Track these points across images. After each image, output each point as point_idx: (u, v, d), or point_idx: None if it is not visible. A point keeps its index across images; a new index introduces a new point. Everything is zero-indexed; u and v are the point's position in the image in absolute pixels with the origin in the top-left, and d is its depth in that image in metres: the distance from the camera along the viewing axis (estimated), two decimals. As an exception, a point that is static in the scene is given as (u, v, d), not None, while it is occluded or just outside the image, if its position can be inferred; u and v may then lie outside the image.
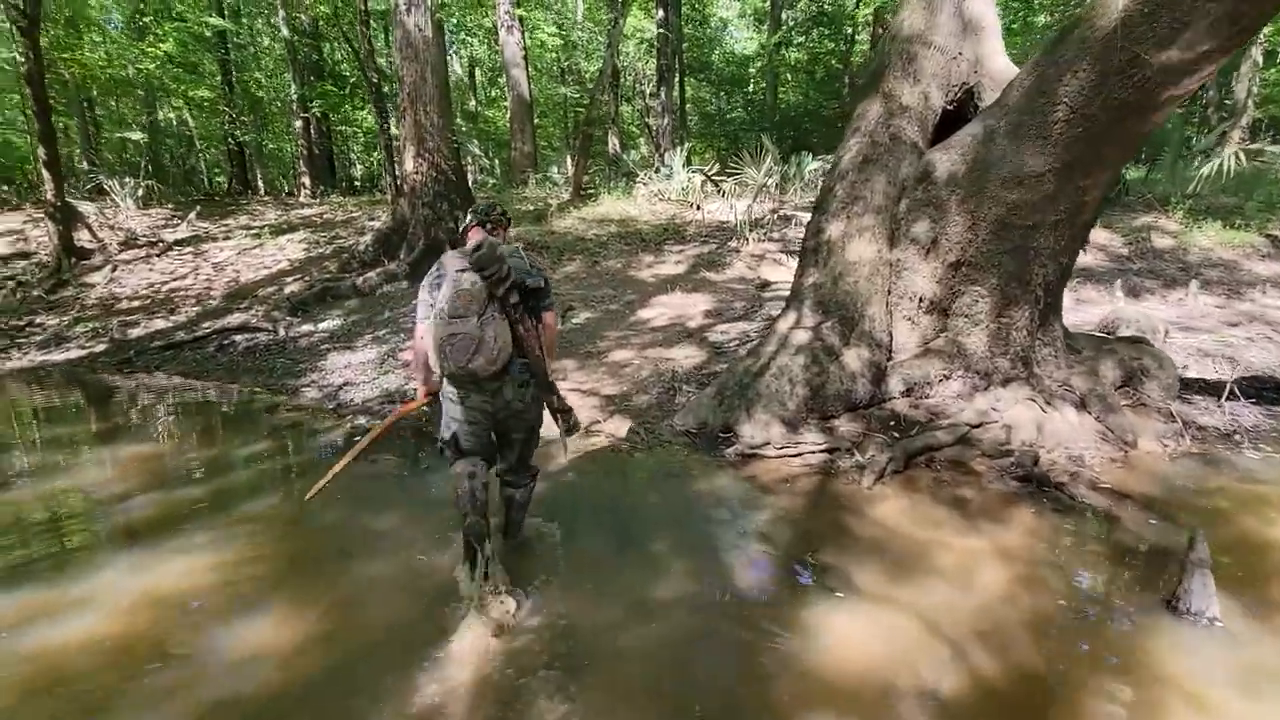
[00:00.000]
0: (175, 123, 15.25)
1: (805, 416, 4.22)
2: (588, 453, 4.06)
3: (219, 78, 14.71)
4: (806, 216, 10.13)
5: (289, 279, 9.00)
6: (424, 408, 3.06)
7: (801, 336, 4.38)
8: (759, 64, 24.01)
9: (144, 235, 10.45)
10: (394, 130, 9.23)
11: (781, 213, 9.88)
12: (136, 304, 8.65)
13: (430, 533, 3.12)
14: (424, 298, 2.64)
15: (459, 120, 20.57)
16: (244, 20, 14.08)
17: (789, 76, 25.18)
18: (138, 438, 4.76)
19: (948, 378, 4.28)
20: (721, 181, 10.59)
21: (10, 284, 9.14)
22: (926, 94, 4.59)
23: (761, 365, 4.37)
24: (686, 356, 5.69)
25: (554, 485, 3.62)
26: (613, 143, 17.85)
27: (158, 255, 9.92)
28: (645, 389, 5.05)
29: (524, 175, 13.42)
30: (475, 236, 2.72)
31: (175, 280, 9.30)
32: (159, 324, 8.08)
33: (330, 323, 7.61)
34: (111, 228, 10.58)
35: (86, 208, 10.37)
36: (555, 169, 13.42)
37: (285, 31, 12.97)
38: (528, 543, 3.02)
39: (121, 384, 6.38)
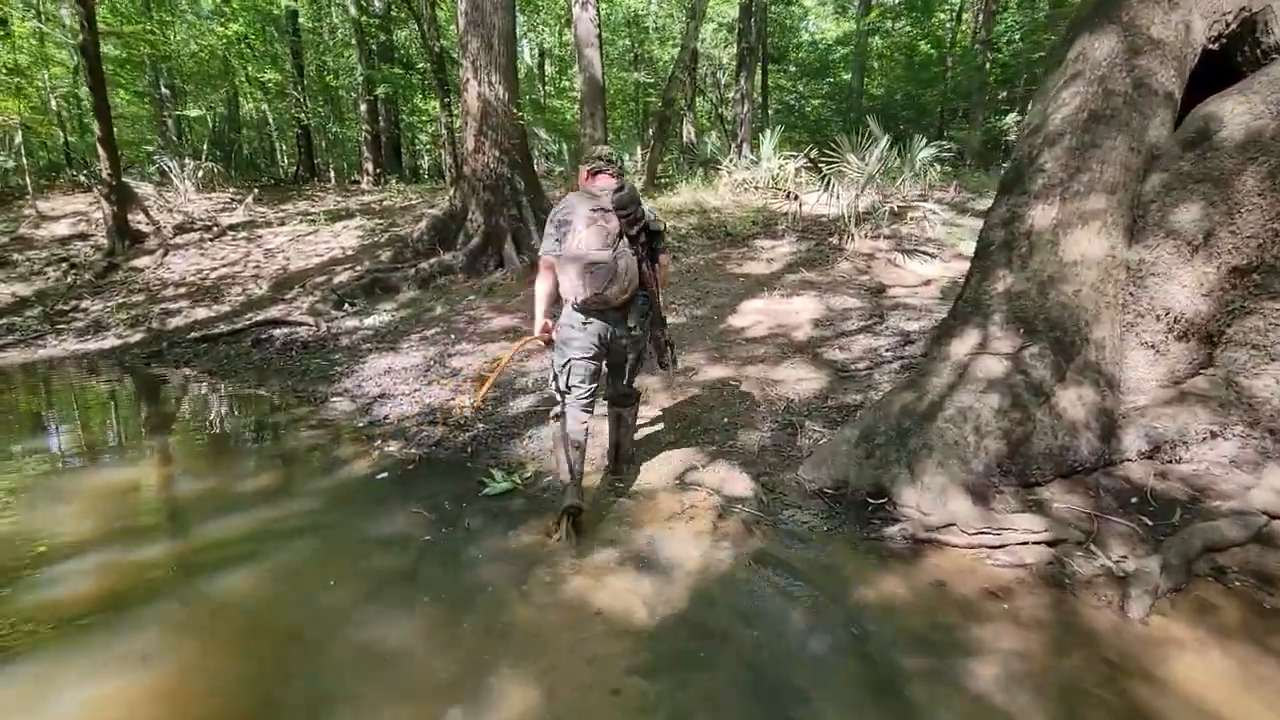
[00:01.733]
0: (243, 105, 15.01)
1: (997, 482, 2.93)
2: (687, 523, 2.90)
3: (289, 61, 14.37)
4: (924, 210, 8.70)
5: (340, 268, 8.25)
6: (542, 342, 3.00)
7: (992, 367, 3.08)
8: (843, 51, 22.31)
9: (201, 219, 10.00)
10: (454, 111, 8.36)
11: (892, 206, 8.46)
12: (182, 290, 8.08)
13: (461, 658, 2.03)
14: (550, 232, 2.74)
15: (526, 107, 19.86)
16: (314, 0, 13.64)
17: (875, 65, 23.35)
18: (114, 460, 3.92)
19: (1216, 435, 2.89)
20: (822, 168, 9.23)
21: (64, 266, 8.77)
22: (1187, 23, 3.19)
23: (930, 405, 3.10)
24: (800, 379, 4.45)
25: (636, 598, 2.48)
26: (687, 131, 16.66)
27: (211, 240, 9.41)
28: (753, 423, 3.86)
29: (594, 163, 12.40)
30: (601, 181, 2.84)
31: (225, 266, 8.73)
32: (201, 313, 7.45)
33: (377, 318, 6.75)
34: (169, 210, 10.19)
35: (145, 189, 10.01)
36: (627, 157, 12.35)
37: (353, 10, 12.40)
38: None
39: (134, 383, 5.66)
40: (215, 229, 9.69)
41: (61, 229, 9.93)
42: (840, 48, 22.50)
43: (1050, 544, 2.62)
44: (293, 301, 7.44)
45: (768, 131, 10.25)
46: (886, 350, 4.72)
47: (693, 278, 7.20)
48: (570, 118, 21.17)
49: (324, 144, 20.04)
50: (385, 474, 3.44)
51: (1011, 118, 12.84)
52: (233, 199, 11.03)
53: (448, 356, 5.41)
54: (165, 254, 8.92)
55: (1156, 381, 3.11)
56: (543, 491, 3.26)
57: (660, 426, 3.86)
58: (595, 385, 2.96)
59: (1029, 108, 3.51)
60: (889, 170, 8.68)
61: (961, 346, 3.26)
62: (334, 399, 4.78)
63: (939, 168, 10.38)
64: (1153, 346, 3.09)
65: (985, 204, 9.52)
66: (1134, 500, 2.84)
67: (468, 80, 7.40)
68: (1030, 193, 3.28)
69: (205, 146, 12.11)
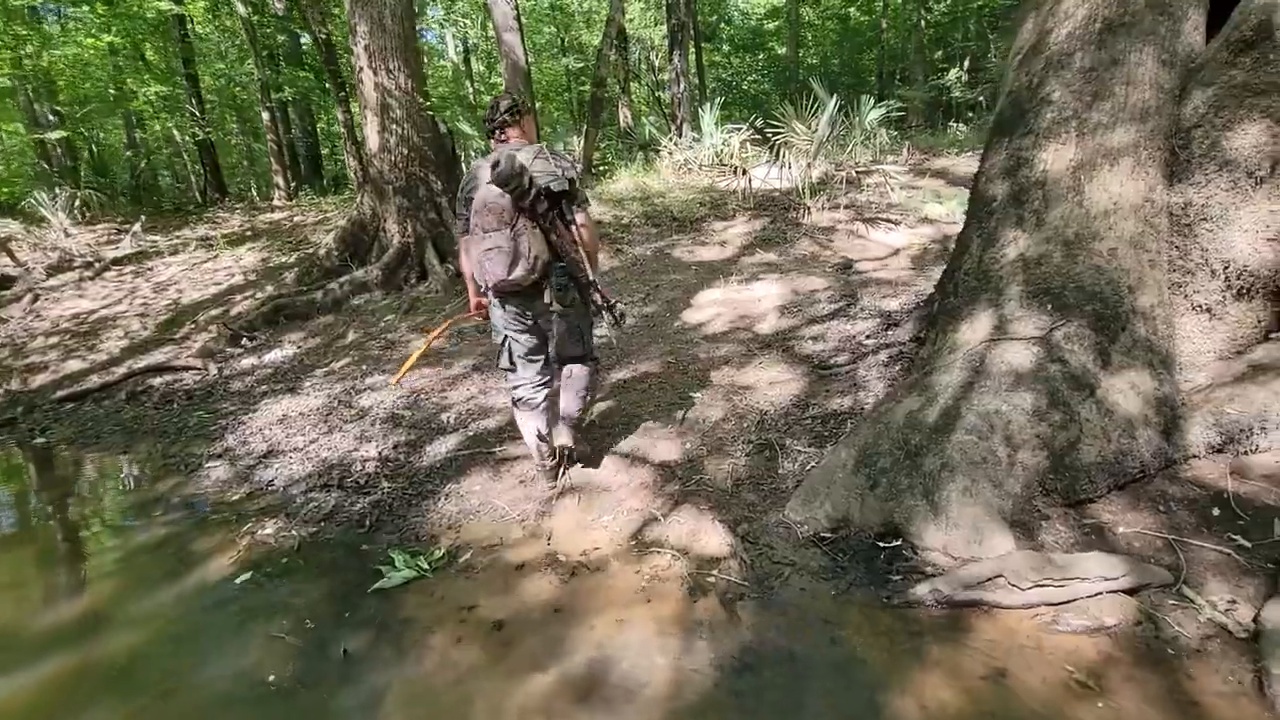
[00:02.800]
0: (150, 125, 13.51)
1: (1041, 506, 2.27)
2: (648, 607, 2.15)
3: (181, 73, 13.01)
4: (883, 173, 8.07)
5: (240, 297, 7.23)
6: (478, 319, 2.93)
7: (1018, 356, 2.41)
8: (776, 24, 21.78)
9: (81, 255, 8.78)
10: (354, 107, 7.39)
11: (847, 174, 7.84)
12: (54, 340, 6.94)
13: None
14: (461, 211, 2.60)
15: (451, 105, 18.73)
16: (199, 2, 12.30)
17: (808, 35, 22.90)
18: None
19: (1303, 416, 2.28)
20: (769, 137, 8.56)
21: (-89, 323, 7.50)
22: (1211, -98, 2.55)
23: (943, 412, 2.42)
24: (773, 383, 3.74)
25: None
26: (624, 116, 15.86)
27: (92, 278, 8.23)
28: (722, 447, 3.13)
29: (526, 155, 11.51)
30: (512, 137, 2.56)
31: (107, 306, 7.59)
32: (73, 365, 6.35)
33: (279, 353, 5.80)
34: (44, 248, 8.93)
35: (10, 227, 8.75)
36: (561, 146, 11.51)
37: (241, 9, 11.18)
38: None
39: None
40: (97, 265, 8.50)
41: (-87, 280, 8.59)
42: (771, 21, 21.98)
43: (1130, 591, 1.96)
44: (183, 341, 6.41)
45: (707, 106, 9.53)
46: (868, 337, 4.05)
47: (639, 271, 6.44)
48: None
49: (239, 161, 18.58)
50: (250, 575, 2.60)
51: (954, 74, 12.43)
52: (120, 229, 9.79)
53: (356, 394, 4.53)
54: (35, 300, 7.73)
55: (1215, 353, 2.48)
56: (461, 573, 2.48)
57: (610, 464, 3.10)
58: (543, 357, 2.81)
59: (1019, 26, 2.84)
60: (839, 136, 8.06)
61: (973, 333, 2.59)
62: (211, 463, 3.87)
63: (888, 131, 9.83)
64: (1208, 310, 2.46)
65: (942, 163, 9.00)
66: (1216, 512, 2.21)
67: (361, 69, 6.45)
68: (1037, 131, 2.62)
69: (83, 173, 10.74)
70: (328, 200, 11.43)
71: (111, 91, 11.14)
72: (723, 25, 22.65)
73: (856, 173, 7.69)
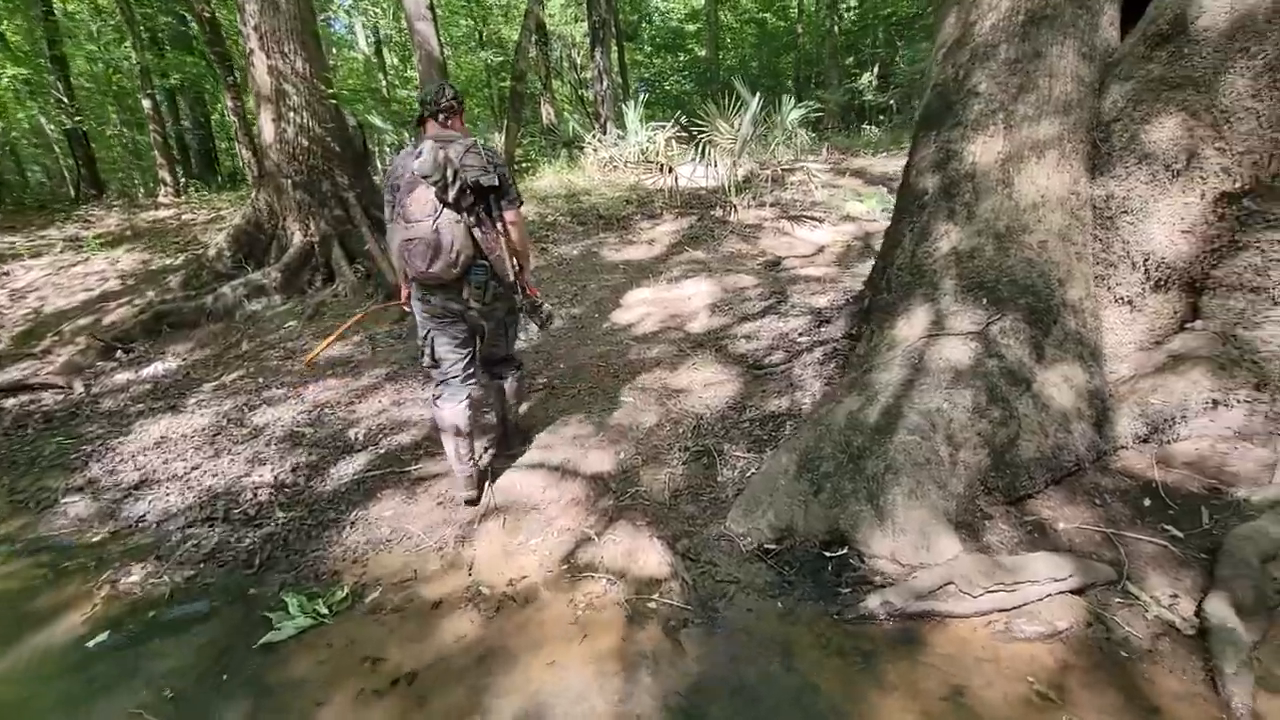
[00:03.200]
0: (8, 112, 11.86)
1: (984, 505, 2.22)
2: (583, 644, 1.93)
3: (46, 55, 11.56)
4: (806, 170, 8.16)
5: (114, 304, 6.43)
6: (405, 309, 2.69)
7: (955, 352, 2.36)
8: (695, 26, 21.98)
9: (-84, 259, 7.59)
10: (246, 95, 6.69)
11: (771, 172, 7.87)
12: (-121, 358, 5.93)
13: None
14: (388, 198, 2.46)
15: (364, 99, 17.73)
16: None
17: (728, 39, 23.26)
18: None
19: (1219, 403, 2.34)
20: (694, 135, 8.50)
21: None
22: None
23: (884, 412, 2.33)
24: (707, 385, 3.60)
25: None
26: (546, 113, 15.50)
27: (-67, 284, 7.13)
28: (658, 455, 2.95)
29: (442, 151, 10.97)
30: (431, 129, 2.42)
31: (-42, 315, 6.58)
32: (-96, 387, 5.43)
33: (161, 365, 5.16)
34: None
35: None
36: (481, 141, 11.05)
37: (114, -14, 10.05)
38: None
39: None
40: (-63, 270, 7.37)
41: None
42: (691, 23, 22.16)
43: (1078, 590, 1.91)
44: (44, 355, 5.61)
45: (631, 103, 9.37)
46: (801, 335, 3.98)
47: (566, 271, 6.19)
48: (416, 108, 19.23)
49: (121, 155, 16.87)
50: (107, 635, 2.18)
51: (866, 78, 12.86)
52: (-32, 229, 8.55)
53: (250, 410, 4.06)
54: None
55: (1135, 344, 2.52)
56: (368, 616, 2.17)
57: (538, 479, 2.85)
58: (469, 353, 2.64)
59: (941, 21, 2.81)
60: (761, 135, 8.09)
61: (910, 328, 2.52)
62: (69, 498, 3.32)
63: (807, 132, 10.02)
64: (1128, 301, 2.49)
65: (859, 163, 9.23)
66: (1147, 503, 2.22)
67: (253, 51, 5.85)
68: (965, 123, 2.58)
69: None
70: (221, 197, 10.48)
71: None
72: (644, 25, 22.64)
73: (782, 170, 7.73)
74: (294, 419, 3.85)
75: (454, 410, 2.58)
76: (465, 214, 2.33)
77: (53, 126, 12.04)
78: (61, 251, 7.90)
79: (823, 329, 3.96)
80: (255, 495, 3.06)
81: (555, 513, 2.62)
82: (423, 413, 3.71)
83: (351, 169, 6.53)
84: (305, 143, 6.05)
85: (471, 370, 2.65)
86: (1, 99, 11.86)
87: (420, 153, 2.27)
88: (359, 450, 3.40)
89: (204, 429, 3.89)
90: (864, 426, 2.34)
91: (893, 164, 8.82)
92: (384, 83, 21.36)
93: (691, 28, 22.25)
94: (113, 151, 16.94)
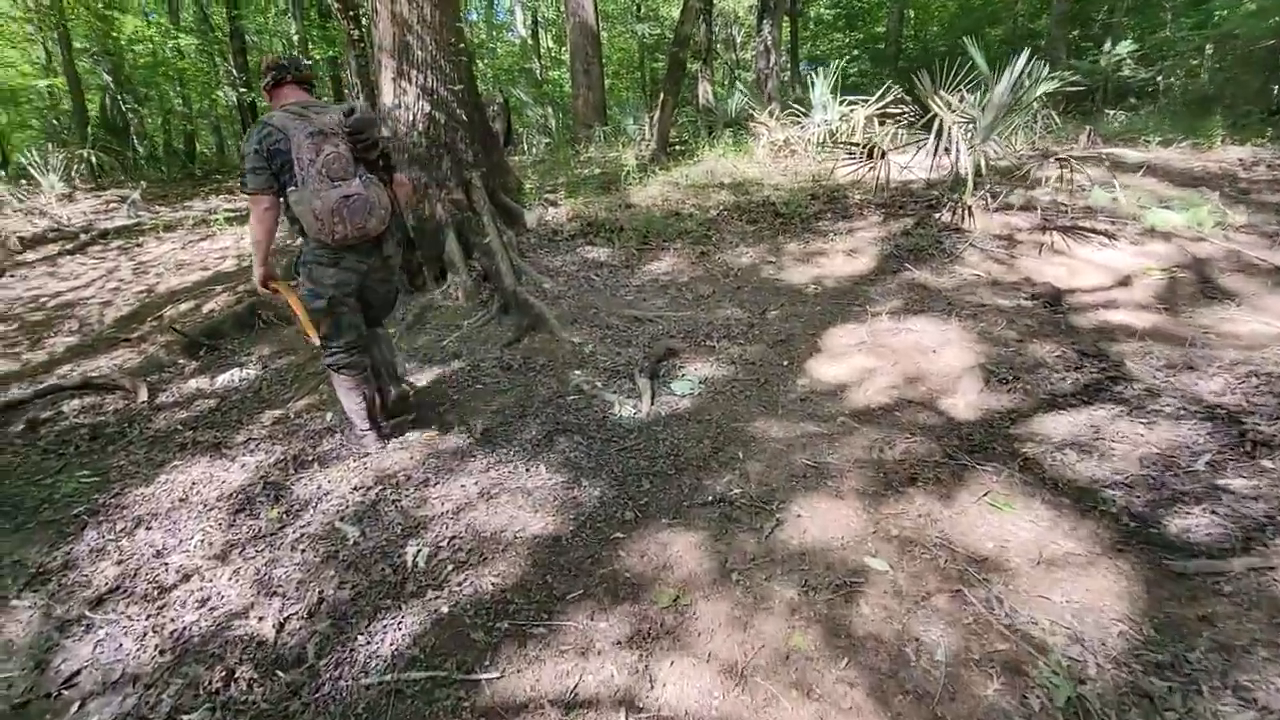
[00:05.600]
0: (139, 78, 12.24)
1: None
2: None
3: (225, 27, 11.82)
4: (1071, 168, 5.74)
5: (220, 288, 5.76)
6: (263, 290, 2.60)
7: None
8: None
9: (71, 225, 7.56)
10: (366, 46, 5.72)
11: (1023, 163, 5.75)
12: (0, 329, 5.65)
13: None
14: (257, 164, 2.30)
15: (517, 77, 17.16)
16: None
17: (912, 13, 20.25)
18: None
19: None
20: (898, 118, 6.53)
21: None
22: None
23: None
24: (1041, 557, 1.86)
25: None
26: (703, 91, 13.90)
27: (71, 252, 6.98)
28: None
29: (588, 130, 9.77)
30: (292, 95, 2.46)
31: (75, 289, 6.28)
32: (1, 366, 5.00)
33: (236, 374, 4.25)
34: (35, 214, 7.76)
35: (-6, 189, 7.64)
36: (632, 121, 9.74)
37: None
38: None
39: None
40: (83, 238, 7.24)
41: (-109, 245, 7.54)
42: (868, -3, 19.49)
43: None
44: (138, 344, 4.97)
45: (818, 73, 7.52)
46: (1209, 461, 2.10)
47: (734, 286, 4.60)
48: (566, 89, 18.49)
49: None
50: None
51: (1123, 48, 9.92)
52: (124, 197, 8.56)
53: (299, 468, 2.88)
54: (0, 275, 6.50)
55: None
56: None
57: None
58: (361, 321, 2.68)
59: None
60: (1005, 114, 5.93)
61: None
62: (22, 598, 2.28)
63: (1056, 114, 7.61)
64: None
65: (1140, 156, 6.71)
66: None
67: (377, 1, 4.80)
68: None
69: (90, 131, 9.60)
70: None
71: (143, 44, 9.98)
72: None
73: (1065, 159, 5.52)
74: (343, 499, 2.60)
75: (357, 381, 2.69)
76: (379, 173, 2.49)
77: (221, 94, 12.32)
78: (194, 226, 7.55)
79: (1258, 455, 2.05)
80: (236, 663, 1.80)
81: None
82: (524, 523, 2.31)
83: (480, 144, 5.35)
84: (427, 107, 4.92)
85: (364, 341, 2.71)
86: (184, 70, 12.33)
87: (351, 110, 2.41)
88: (412, 594, 2.04)
89: (232, 494, 2.76)
90: None
91: (1198, 160, 6.29)
92: (538, 65, 20.89)
93: (867, 2, 19.59)
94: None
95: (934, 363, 3.22)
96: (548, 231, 5.56)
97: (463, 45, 5.14)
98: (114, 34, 10.91)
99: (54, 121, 10.46)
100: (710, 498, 2.37)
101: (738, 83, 11.50)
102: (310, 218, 2.31)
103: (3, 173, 9.17)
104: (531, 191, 5.89)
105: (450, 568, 2.14)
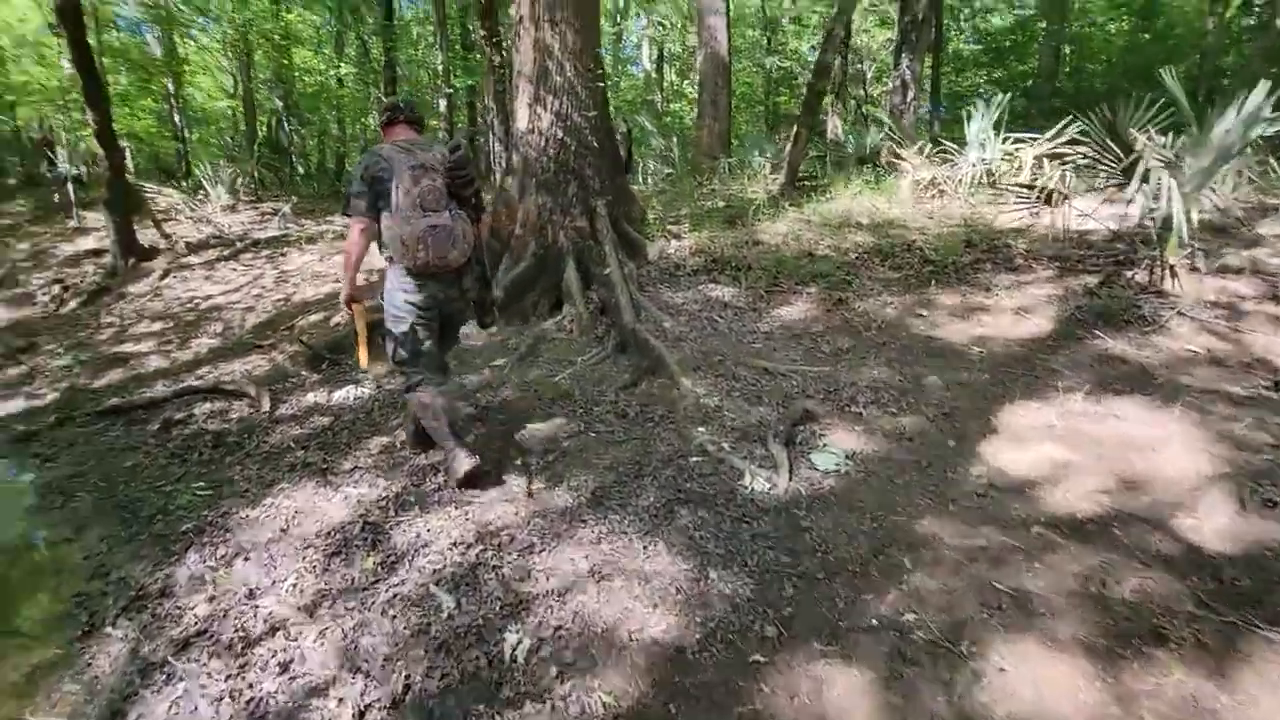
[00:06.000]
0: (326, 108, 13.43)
1: None
2: None
3: (380, 59, 12.77)
4: None
5: (349, 302, 5.93)
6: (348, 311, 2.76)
7: None
8: (1032, 30, 17.93)
9: (230, 233, 8.22)
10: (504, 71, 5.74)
11: (1239, 217, 4.82)
12: (156, 328, 6.11)
13: None
14: (359, 190, 2.49)
15: (639, 109, 17.40)
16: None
17: (1067, 50, 18.65)
18: None
19: None
20: (1065, 161, 5.72)
21: (56, 289, 7.19)
22: None
23: None
24: None
25: None
26: (833, 125, 13.36)
27: (226, 259, 7.53)
28: None
29: (712, 161, 9.51)
30: (403, 133, 2.64)
31: (225, 294, 6.73)
32: (154, 363, 5.37)
33: (354, 390, 4.23)
34: (202, 221, 8.53)
35: (171, 198, 8.46)
36: (758, 153, 9.40)
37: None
38: None
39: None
40: (237, 246, 7.82)
41: (89, 243, 8.53)
42: (1011, 36, 18.15)
43: None
44: (270, 350, 5.14)
45: (975, 108, 6.82)
46: None
47: (878, 342, 4.06)
48: (687, 121, 18.50)
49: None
50: None
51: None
52: (274, 212, 9.26)
53: (399, 510, 2.67)
54: (164, 276, 7.10)
55: None
56: None
57: None
58: (441, 349, 2.81)
59: None
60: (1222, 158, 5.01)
61: None
62: (118, 625, 2.17)
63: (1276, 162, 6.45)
64: None
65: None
66: None
67: (520, 20, 4.77)
68: None
69: (256, 149, 10.56)
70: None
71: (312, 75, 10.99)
72: (955, 33, 19.21)
73: (1238, 214, 4.62)
74: (441, 556, 2.34)
75: (443, 405, 2.69)
76: (468, 209, 2.58)
77: (375, 124, 13.26)
78: (333, 240, 7.96)
79: None
80: None
81: None
82: (642, 620, 1.92)
83: (607, 172, 5.18)
84: (559, 133, 4.81)
85: (445, 364, 2.87)
86: (342, 97, 13.43)
87: (456, 146, 2.58)
88: (507, 702, 1.71)
89: (332, 532, 2.59)
90: None
91: None
92: (659, 97, 21.16)
93: (1009, 39, 18.25)
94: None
95: (1155, 464, 2.55)
96: (669, 265, 5.27)
97: (600, 71, 5.02)
98: (287, 63, 12.10)
99: (228, 140, 11.66)
100: (874, 620, 1.88)
101: (878, 115, 10.86)
102: (398, 244, 2.45)
103: (185, 184, 10.17)
104: (654, 222, 5.65)
105: (553, 671, 1.79)
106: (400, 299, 2.58)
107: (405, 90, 13.48)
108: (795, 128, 7.74)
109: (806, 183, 7.99)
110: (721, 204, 7.21)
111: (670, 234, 5.68)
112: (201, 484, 3.22)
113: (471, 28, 11.81)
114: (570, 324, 4.57)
